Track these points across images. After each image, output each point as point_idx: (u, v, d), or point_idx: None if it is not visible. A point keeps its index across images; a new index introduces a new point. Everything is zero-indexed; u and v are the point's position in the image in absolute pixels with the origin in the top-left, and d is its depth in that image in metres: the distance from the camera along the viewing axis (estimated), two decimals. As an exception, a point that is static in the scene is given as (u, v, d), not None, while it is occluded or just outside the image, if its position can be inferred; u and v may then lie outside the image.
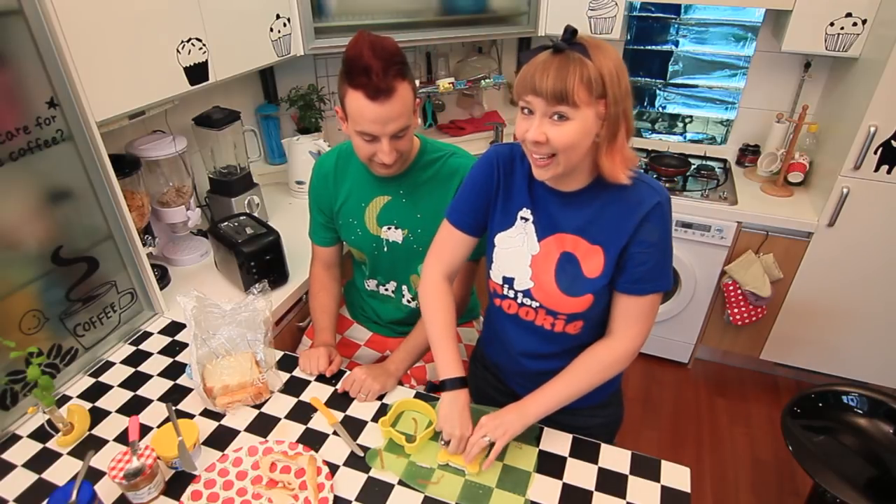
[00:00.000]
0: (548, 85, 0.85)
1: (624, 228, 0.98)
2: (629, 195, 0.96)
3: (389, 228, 1.37)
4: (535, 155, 0.93)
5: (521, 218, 1.06)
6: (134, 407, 1.21)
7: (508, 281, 1.09)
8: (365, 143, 1.18)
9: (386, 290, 1.50)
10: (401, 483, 1.05)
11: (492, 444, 1.05)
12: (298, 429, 1.17)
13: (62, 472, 1.07)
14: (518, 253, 1.07)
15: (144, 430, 1.15)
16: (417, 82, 2.34)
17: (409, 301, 1.49)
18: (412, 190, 1.34)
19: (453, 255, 1.16)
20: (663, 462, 1.10)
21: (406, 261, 1.40)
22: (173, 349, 1.38)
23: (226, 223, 1.60)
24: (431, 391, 1.21)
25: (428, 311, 1.17)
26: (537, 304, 1.08)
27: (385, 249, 1.40)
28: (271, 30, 1.76)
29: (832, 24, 1.96)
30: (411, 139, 1.23)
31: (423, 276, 1.19)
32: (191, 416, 1.19)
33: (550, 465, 1.09)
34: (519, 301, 1.10)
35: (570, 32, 0.86)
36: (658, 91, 2.69)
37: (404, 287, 1.47)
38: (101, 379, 1.29)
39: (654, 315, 1.06)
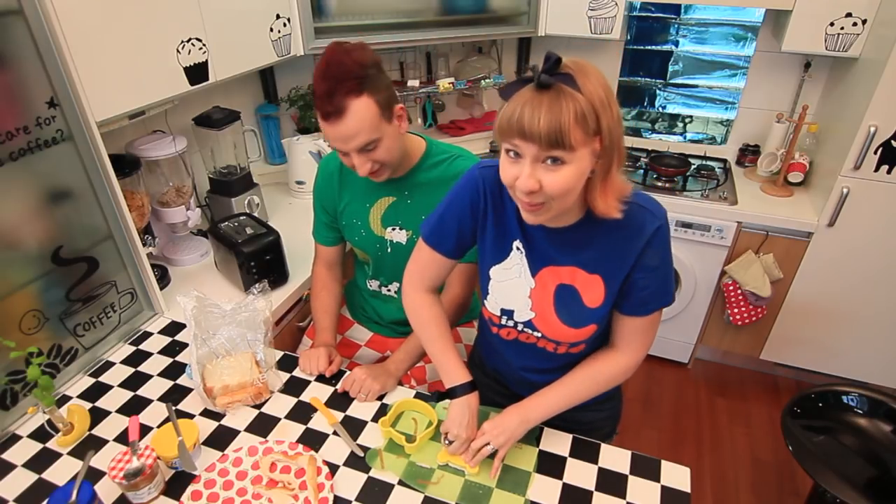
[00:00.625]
0: (541, 128, 0.75)
1: (625, 257, 0.93)
2: (627, 222, 0.90)
3: (394, 229, 1.37)
4: (524, 200, 0.84)
5: (517, 248, 1.01)
6: (134, 407, 1.21)
7: (507, 313, 1.07)
8: (342, 156, 1.21)
9: (388, 290, 1.50)
10: (401, 483, 1.05)
11: (495, 450, 1.05)
12: (298, 429, 1.16)
13: (62, 472, 1.07)
14: (516, 285, 1.03)
15: (144, 430, 1.15)
16: (417, 82, 2.35)
17: None
18: (417, 191, 1.34)
19: (434, 276, 1.14)
20: (663, 462, 1.10)
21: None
22: (173, 349, 1.38)
23: (226, 223, 1.60)
24: (440, 398, 1.21)
25: (418, 325, 1.16)
26: (539, 335, 1.06)
27: (389, 250, 1.40)
28: (271, 30, 1.76)
29: (832, 24, 1.96)
30: (389, 149, 1.20)
31: (404, 293, 1.17)
32: (191, 416, 1.19)
33: (550, 465, 1.09)
34: (519, 329, 1.08)
35: (555, 61, 0.75)
36: (658, 91, 2.69)
37: None
38: (101, 379, 1.29)
39: (656, 329, 1.03)
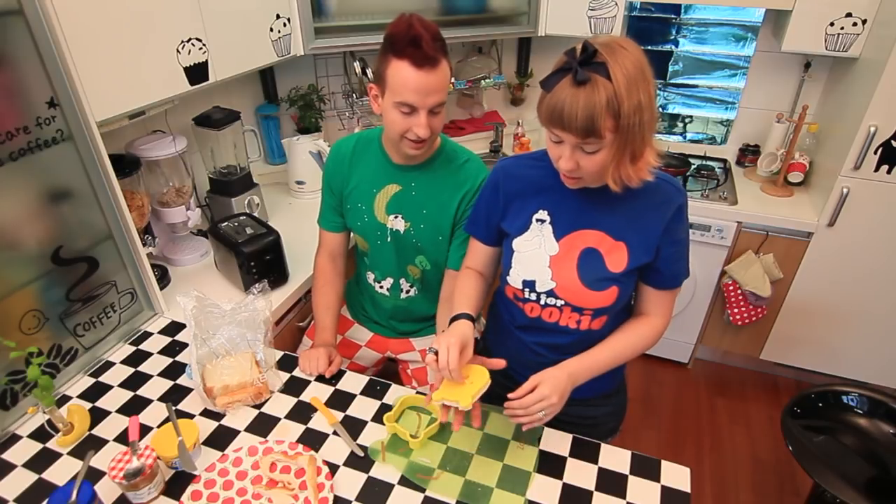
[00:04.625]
0: (578, 124, 0.86)
1: (653, 227, 1.02)
2: (654, 193, 0.99)
3: (396, 217, 1.38)
4: (564, 173, 0.97)
5: (537, 220, 1.09)
6: (134, 407, 1.21)
7: (529, 284, 1.10)
8: (402, 116, 1.19)
9: (381, 287, 1.50)
10: (401, 483, 1.05)
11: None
12: (298, 429, 1.17)
13: (62, 472, 1.07)
14: (536, 255, 1.08)
15: (144, 430, 1.15)
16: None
17: (407, 291, 1.49)
18: (424, 184, 1.35)
19: (476, 261, 1.24)
20: (663, 462, 1.10)
21: (405, 252, 1.41)
22: (173, 349, 1.38)
23: (226, 223, 1.60)
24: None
25: (459, 285, 1.23)
26: (562, 303, 1.09)
27: (388, 239, 1.41)
28: (271, 30, 1.76)
29: (832, 24, 1.96)
30: (443, 120, 1.25)
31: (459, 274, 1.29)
32: (191, 416, 1.19)
33: (550, 465, 1.09)
34: (542, 303, 1.11)
35: (592, 52, 0.85)
36: (658, 91, 2.69)
37: (402, 280, 1.47)
38: (101, 379, 1.29)
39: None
